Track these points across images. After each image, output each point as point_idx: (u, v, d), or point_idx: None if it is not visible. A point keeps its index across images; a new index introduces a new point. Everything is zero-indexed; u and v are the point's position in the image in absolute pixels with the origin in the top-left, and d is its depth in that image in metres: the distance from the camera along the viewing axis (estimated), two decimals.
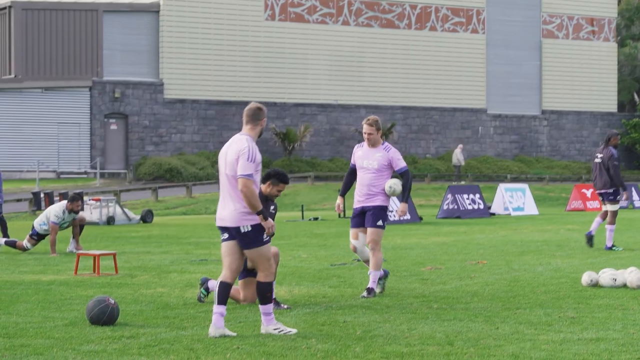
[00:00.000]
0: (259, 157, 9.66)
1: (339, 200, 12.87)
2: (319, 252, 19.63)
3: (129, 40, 52.52)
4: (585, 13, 64.90)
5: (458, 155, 55.78)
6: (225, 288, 9.63)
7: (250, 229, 9.57)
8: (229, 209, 9.64)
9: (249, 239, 9.61)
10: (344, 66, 57.29)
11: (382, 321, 10.39)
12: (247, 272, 11.86)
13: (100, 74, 51.89)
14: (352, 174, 12.90)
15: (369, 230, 12.55)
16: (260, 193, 11.48)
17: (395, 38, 58.79)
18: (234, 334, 9.58)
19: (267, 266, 9.71)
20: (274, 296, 9.99)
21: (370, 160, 12.65)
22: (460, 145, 57.02)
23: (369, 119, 12.79)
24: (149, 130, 53.06)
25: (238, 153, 9.57)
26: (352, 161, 12.91)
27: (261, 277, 9.75)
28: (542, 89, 63.54)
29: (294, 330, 9.68)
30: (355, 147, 12.95)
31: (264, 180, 11.45)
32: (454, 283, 13.91)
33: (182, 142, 53.82)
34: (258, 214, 9.52)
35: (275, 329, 9.65)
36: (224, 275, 9.69)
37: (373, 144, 12.67)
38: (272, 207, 11.64)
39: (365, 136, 12.74)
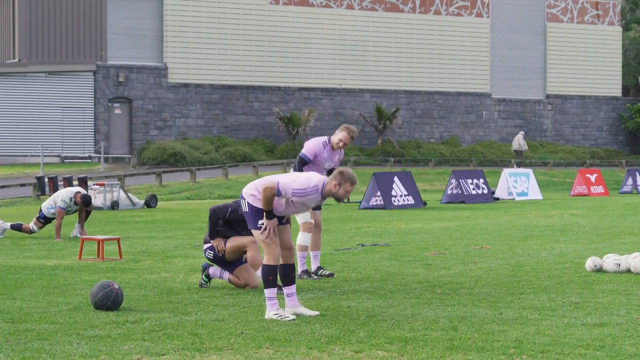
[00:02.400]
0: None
1: None
2: (322, 237, 19.61)
3: (133, 24, 52.46)
4: None
5: (520, 141, 55.94)
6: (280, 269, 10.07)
7: (247, 209, 9.92)
8: None
9: (246, 218, 10.01)
10: (348, 50, 57.21)
11: (385, 306, 10.40)
12: (240, 261, 12.00)
13: (105, 58, 51.86)
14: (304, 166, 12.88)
15: (319, 212, 13.16)
16: None
17: (399, 22, 58.68)
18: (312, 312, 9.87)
19: (266, 250, 9.78)
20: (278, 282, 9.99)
21: (331, 162, 12.93)
22: (522, 132, 57.24)
23: (353, 131, 12.86)
24: (153, 114, 53.06)
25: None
26: (310, 156, 12.75)
27: (264, 259, 9.85)
28: (546, 73, 63.42)
29: (292, 317, 9.62)
30: (321, 145, 12.84)
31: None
32: (458, 268, 13.91)
33: (186, 126, 53.81)
34: (265, 211, 9.77)
35: (275, 314, 9.65)
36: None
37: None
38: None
39: (340, 144, 12.81)
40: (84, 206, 19.70)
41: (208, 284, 12.03)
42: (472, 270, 13.65)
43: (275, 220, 9.78)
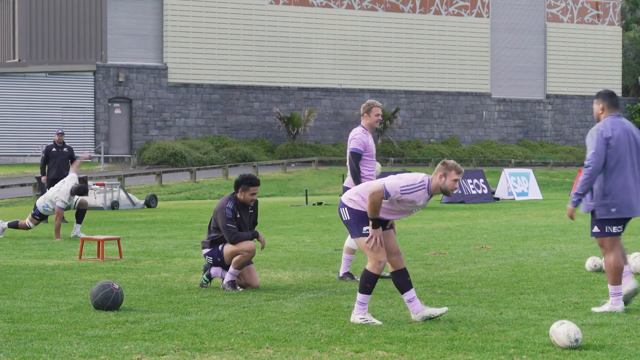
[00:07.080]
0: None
1: None
2: (323, 236, 19.64)
3: (133, 24, 52.46)
4: None
5: None
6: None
7: (348, 216, 9.52)
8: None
9: (349, 226, 9.58)
10: (348, 50, 57.21)
11: (385, 306, 10.40)
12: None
13: (105, 58, 51.85)
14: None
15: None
16: (238, 200, 11.69)
17: (399, 22, 58.68)
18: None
19: (371, 257, 9.39)
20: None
21: (374, 147, 12.50)
22: None
23: (378, 104, 12.32)
24: (153, 114, 53.05)
25: None
26: (361, 147, 12.19)
27: (368, 265, 9.48)
28: (546, 73, 63.44)
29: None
30: (361, 132, 12.27)
31: (235, 189, 11.82)
32: (458, 268, 13.91)
33: (186, 126, 53.81)
34: (370, 219, 9.35)
35: (361, 318, 9.39)
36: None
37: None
38: (250, 209, 11.98)
39: (378, 118, 12.31)
40: (75, 193, 19.59)
41: (209, 284, 12.03)
42: (472, 270, 13.64)
43: (380, 229, 9.37)
